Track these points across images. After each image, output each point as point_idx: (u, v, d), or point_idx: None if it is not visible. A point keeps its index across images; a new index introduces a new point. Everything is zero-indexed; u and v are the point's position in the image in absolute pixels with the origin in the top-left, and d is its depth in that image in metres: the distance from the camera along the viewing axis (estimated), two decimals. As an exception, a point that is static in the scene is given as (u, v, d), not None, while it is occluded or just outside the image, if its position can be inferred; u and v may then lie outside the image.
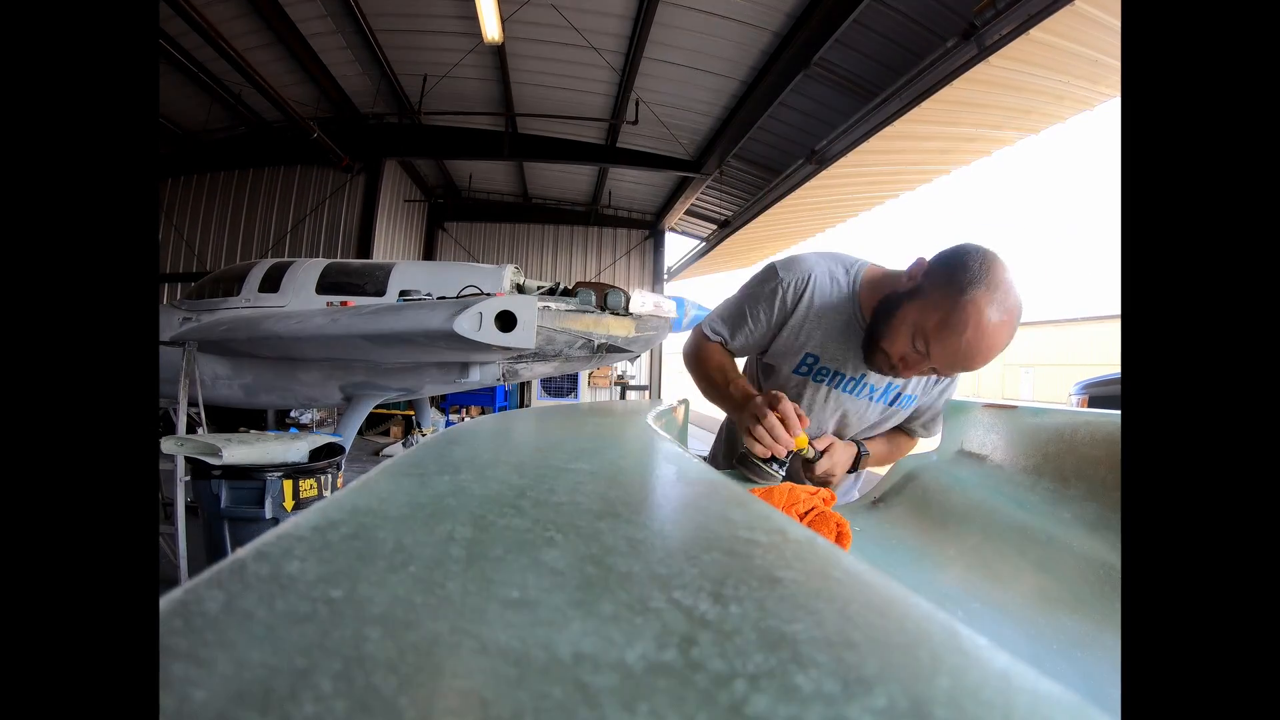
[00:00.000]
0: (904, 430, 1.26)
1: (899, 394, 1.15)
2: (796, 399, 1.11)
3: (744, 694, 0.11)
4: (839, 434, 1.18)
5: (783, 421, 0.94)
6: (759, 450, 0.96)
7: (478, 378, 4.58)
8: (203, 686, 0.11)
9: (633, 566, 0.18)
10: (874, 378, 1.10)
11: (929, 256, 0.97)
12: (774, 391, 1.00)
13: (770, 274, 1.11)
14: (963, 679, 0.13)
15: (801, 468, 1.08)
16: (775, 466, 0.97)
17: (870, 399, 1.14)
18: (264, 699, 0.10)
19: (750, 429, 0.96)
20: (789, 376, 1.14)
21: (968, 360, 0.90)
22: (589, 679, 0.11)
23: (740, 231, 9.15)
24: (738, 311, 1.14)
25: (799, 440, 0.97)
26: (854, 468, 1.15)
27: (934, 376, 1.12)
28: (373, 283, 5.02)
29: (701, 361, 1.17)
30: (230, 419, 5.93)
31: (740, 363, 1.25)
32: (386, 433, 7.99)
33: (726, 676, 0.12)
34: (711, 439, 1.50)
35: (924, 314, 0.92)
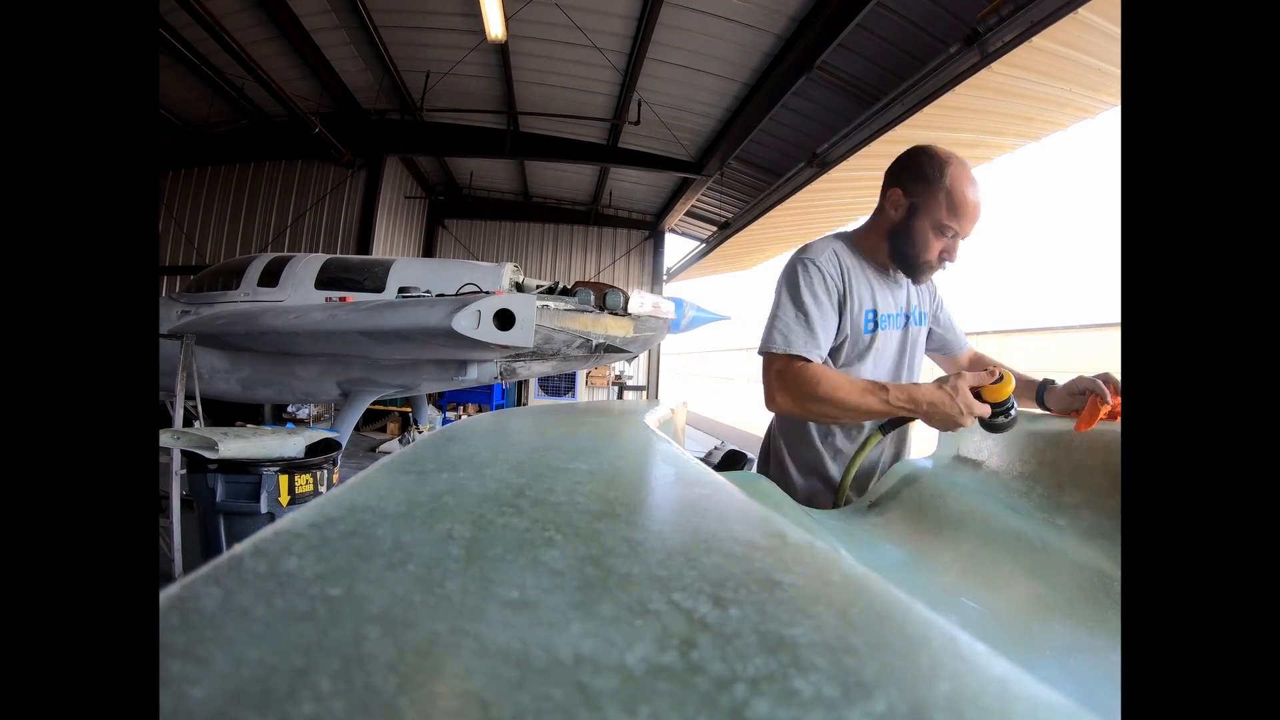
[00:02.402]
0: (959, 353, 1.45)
1: (919, 311, 1.33)
2: (881, 357, 1.24)
3: (744, 697, 0.11)
4: (908, 375, 1.32)
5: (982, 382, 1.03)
6: (977, 415, 1.01)
7: (475, 375, 4.58)
8: (200, 685, 0.11)
9: (632, 568, 0.18)
10: (904, 304, 1.28)
11: (892, 183, 1.20)
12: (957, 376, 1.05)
13: (803, 268, 1.18)
14: (962, 684, 0.13)
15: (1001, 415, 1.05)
16: (1004, 416, 1.02)
17: (909, 325, 1.30)
18: (262, 698, 0.10)
19: (967, 418, 1.01)
20: (860, 340, 1.22)
21: (979, 210, 1.14)
22: (589, 681, 0.11)
23: (740, 234, 9.16)
24: (808, 317, 1.14)
25: (1006, 384, 1.01)
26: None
27: (931, 294, 1.37)
28: (372, 279, 5.01)
29: (828, 392, 1.07)
30: (227, 413, 5.91)
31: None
32: (383, 429, 7.97)
33: (727, 680, 0.12)
34: (708, 440, 1.51)
35: (933, 211, 1.14)
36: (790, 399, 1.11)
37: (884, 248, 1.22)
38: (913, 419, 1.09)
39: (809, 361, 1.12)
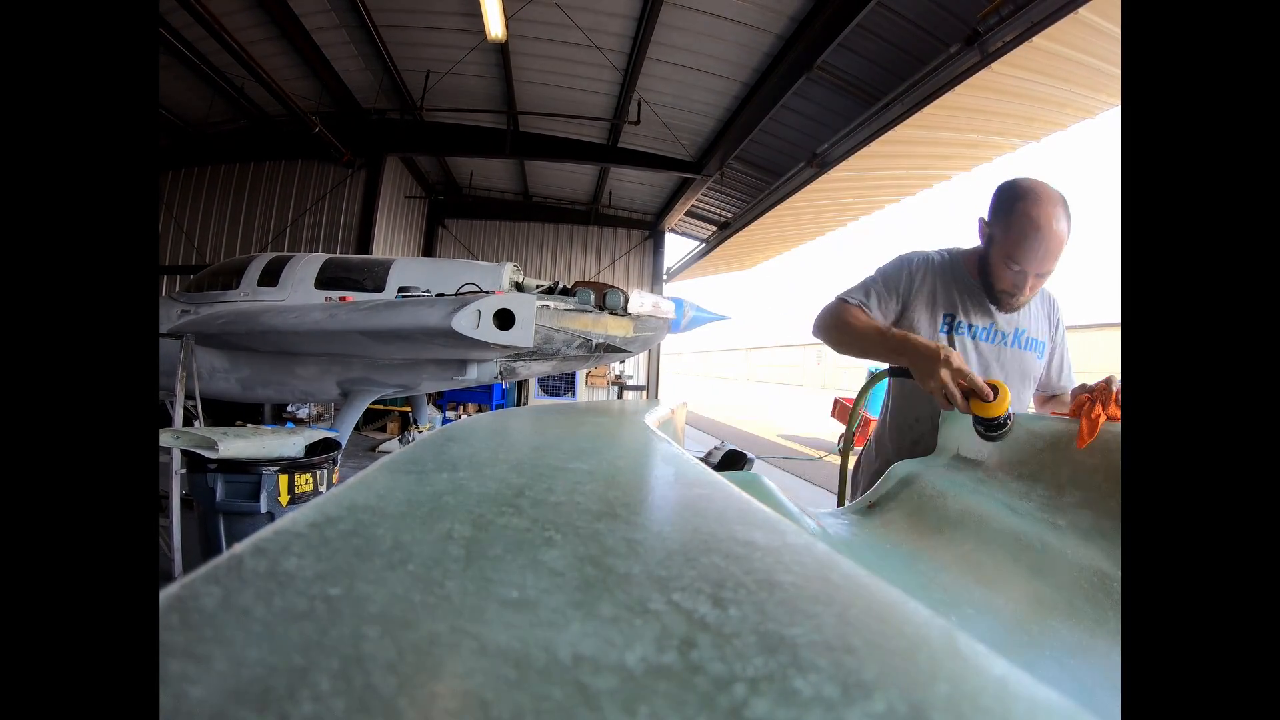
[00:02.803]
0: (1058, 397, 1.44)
1: (1026, 336, 1.36)
2: None
3: (744, 697, 0.11)
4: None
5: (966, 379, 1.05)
6: (951, 392, 1.06)
7: (475, 375, 4.58)
8: (200, 684, 0.11)
9: (632, 568, 0.18)
10: (1002, 323, 1.33)
11: (984, 215, 1.27)
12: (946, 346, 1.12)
13: (898, 258, 1.37)
14: (961, 685, 0.13)
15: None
16: (998, 430, 1.03)
17: (1004, 344, 1.35)
18: (262, 697, 0.10)
19: (943, 372, 1.06)
20: (933, 338, 1.27)
21: (1046, 252, 1.16)
22: (589, 681, 0.11)
23: (740, 234, 9.16)
24: (874, 284, 1.33)
25: (1001, 402, 1.01)
26: None
27: (1051, 323, 1.39)
28: (372, 278, 5.01)
29: (848, 323, 1.29)
30: (227, 413, 5.91)
31: None
32: (383, 429, 7.97)
33: (726, 680, 0.12)
34: (708, 440, 1.57)
35: (1004, 245, 1.19)
36: (821, 325, 1.34)
37: (977, 269, 1.32)
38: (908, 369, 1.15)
39: (849, 304, 1.30)
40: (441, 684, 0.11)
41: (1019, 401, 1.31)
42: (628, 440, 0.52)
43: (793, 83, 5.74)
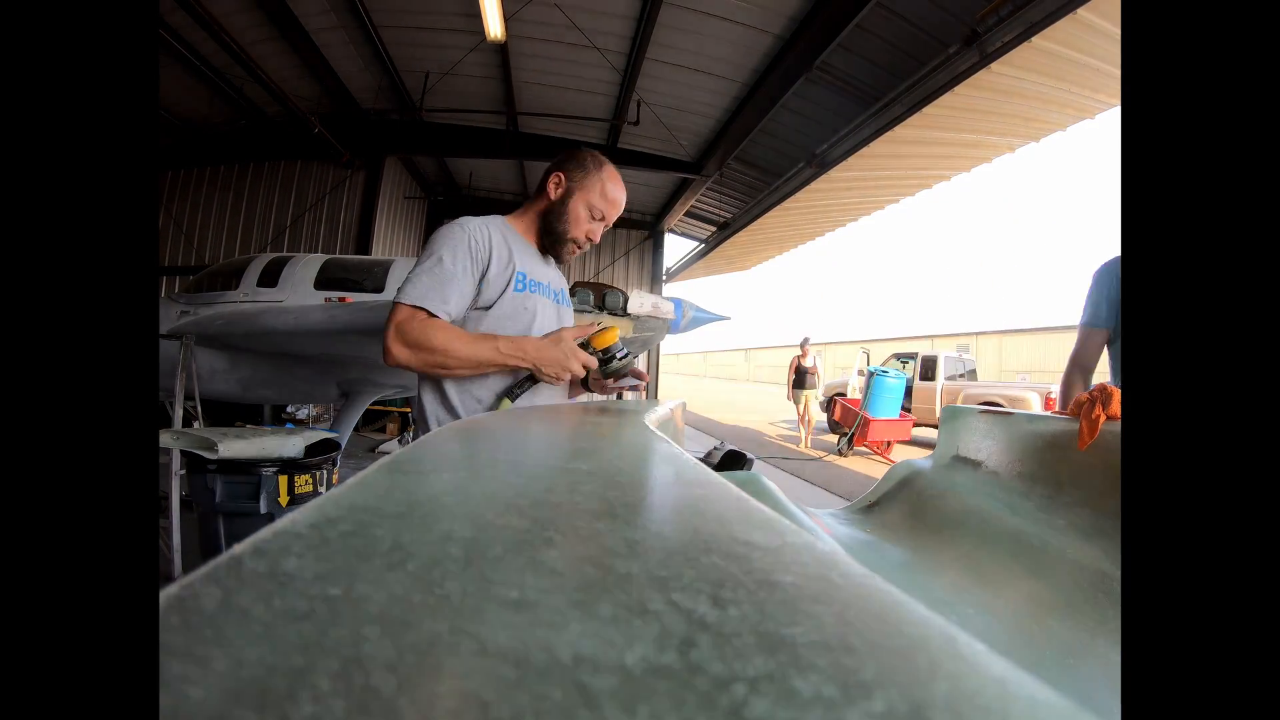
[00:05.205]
0: None
1: (563, 290, 1.43)
2: (540, 319, 1.29)
3: (743, 697, 0.11)
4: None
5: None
6: (587, 363, 1.21)
7: (475, 376, 4.56)
8: (200, 685, 0.11)
9: (631, 568, 0.18)
10: (555, 282, 1.39)
11: (555, 169, 1.33)
12: (559, 332, 1.23)
13: (449, 232, 1.20)
14: (960, 684, 0.13)
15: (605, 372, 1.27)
16: (616, 360, 1.23)
17: (559, 303, 1.39)
18: (262, 698, 0.10)
19: (572, 363, 1.19)
20: (512, 298, 1.24)
21: (620, 201, 1.34)
22: (589, 681, 0.11)
23: (740, 234, 9.17)
24: (441, 278, 1.16)
25: (612, 334, 1.21)
26: None
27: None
28: (371, 279, 5.01)
29: (436, 342, 1.13)
30: (226, 413, 5.91)
31: None
32: (383, 429, 7.97)
33: (726, 679, 0.12)
34: (707, 440, 1.60)
35: (588, 195, 1.30)
36: (407, 349, 1.13)
37: (536, 225, 1.34)
38: (534, 378, 1.20)
39: (433, 316, 1.13)
40: (441, 684, 0.11)
41: None
42: (628, 440, 0.52)
43: (792, 83, 5.74)
